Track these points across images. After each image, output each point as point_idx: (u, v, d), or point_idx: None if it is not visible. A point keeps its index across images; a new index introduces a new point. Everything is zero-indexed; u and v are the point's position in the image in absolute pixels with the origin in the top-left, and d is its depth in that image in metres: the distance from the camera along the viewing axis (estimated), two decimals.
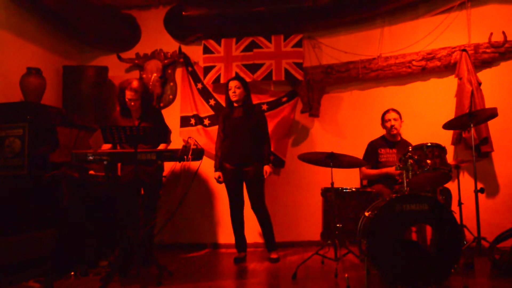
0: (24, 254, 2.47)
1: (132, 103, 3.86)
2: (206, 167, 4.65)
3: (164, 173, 4.14)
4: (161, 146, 3.86)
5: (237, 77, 4.46)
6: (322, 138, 5.23)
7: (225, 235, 5.14)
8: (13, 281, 2.88)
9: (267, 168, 4.21)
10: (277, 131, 5.12)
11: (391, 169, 4.05)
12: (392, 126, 4.26)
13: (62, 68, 5.06)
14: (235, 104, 4.29)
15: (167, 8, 5.45)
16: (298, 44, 5.15)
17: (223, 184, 4.31)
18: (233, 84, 4.25)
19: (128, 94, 3.83)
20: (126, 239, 3.67)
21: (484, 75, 4.73)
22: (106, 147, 3.81)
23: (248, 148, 4.21)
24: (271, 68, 5.15)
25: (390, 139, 4.33)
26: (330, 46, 5.24)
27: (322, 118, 5.24)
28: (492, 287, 3.13)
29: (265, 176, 4.21)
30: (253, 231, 4.78)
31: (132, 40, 5.60)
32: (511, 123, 4.65)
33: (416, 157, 3.27)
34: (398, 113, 4.30)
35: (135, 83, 3.84)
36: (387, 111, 4.33)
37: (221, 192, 5.05)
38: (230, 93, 4.24)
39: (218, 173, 4.28)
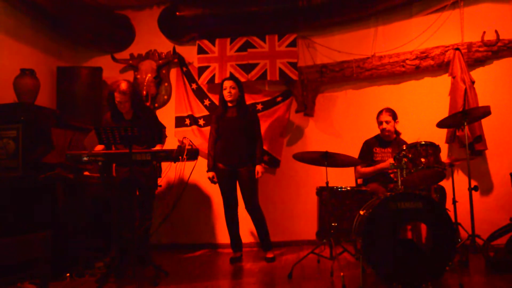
0: (19, 256, 2.46)
1: (122, 105, 3.84)
2: (202, 167, 4.64)
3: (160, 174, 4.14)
4: (157, 147, 3.85)
5: (232, 77, 4.45)
6: (317, 138, 5.24)
7: (221, 235, 5.14)
8: (8, 283, 2.87)
9: (259, 168, 4.20)
10: (272, 131, 5.12)
11: (385, 164, 4.06)
12: (383, 129, 4.27)
13: (56, 69, 5.03)
14: (229, 104, 4.29)
15: (161, 9, 5.44)
16: (292, 44, 5.16)
17: (218, 184, 4.31)
18: (228, 84, 4.25)
19: (117, 97, 3.80)
20: (122, 240, 3.67)
21: (477, 73, 4.76)
22: (99, 147, 3.80)
23: (242, 149, 4.22)
24: (266, 68, 5.15)
25: (385, 138, 4.34)
26: (324, 45, 5.25)
27: (316, 118, 5.25)
28: (487, 284, 3.15)
29: (257, 177, 4.20)
30: (248, 231, 4.79)
31: (126, 41, 5.59)
32: (504, 121, 4.68)
33: (410, 156, 3.29)
34: (391, 113, 4.28)
35: (123, 85, 3.80)
36: (380, 112, 4.32)
37: (216, 192, 5.03)
38: (225, 92, 4.23)
39: (211, 173, 4.27)
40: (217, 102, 5.19)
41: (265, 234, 4.28)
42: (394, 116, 4.28)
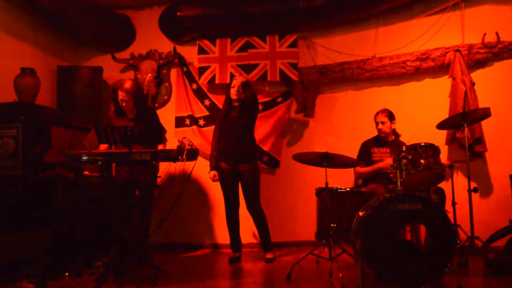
0: (18, 254, 2.46)
1: (124, 104, 3.85)
2: (201, 167, 4.64)
3: (159, 173, 4.14)
4: (159, 147, 3.85)
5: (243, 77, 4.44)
6: (316, 138, 5.24)
7: (221, 235, 5.14)
8: (7, 281, 2.87)
9: None
10: (272, 131, 5.12)
11: (383, 163, 4.07)
12: (379, 130, 4.29)
13: (57, 68, 5.03)
14: (235, 104, 4.29)
15: (162, 9, 5.45)
16: (293, 45, 5.16)
17: (219, 185, 4.31)
18: (237, 82, 4.25)
19: (120, 95, 3.82)
20: (121, 240, 3.67)
21: (478, 75, 4.76)
22: (103, 147, 3.81)
23: (244, 148, 4.22)
24: (266, 69, 5.15)
25: (382, 139, 4.34)
26: (325, 46, 5.25)
27: (317, 118, 5.25)
28: (486, 286, 3.15)
29: None
30: (248, 231, 4.79)
31: (127, 41, 5.59)
32: (504, 123, 4.68)
33: (410, 157, 3.29)
34: (388, 114, 4.29)
35: (127, 84, 3.83)
36: (377, 114, 4.35)
37: (216, 192, 5.05)
38: (233, 90, 4.22)
39: (213, 172, 4.28)
40: (217, 103, 5.21)
41: (266, 234, 4.28)
42: (390, 117, 4.29)
